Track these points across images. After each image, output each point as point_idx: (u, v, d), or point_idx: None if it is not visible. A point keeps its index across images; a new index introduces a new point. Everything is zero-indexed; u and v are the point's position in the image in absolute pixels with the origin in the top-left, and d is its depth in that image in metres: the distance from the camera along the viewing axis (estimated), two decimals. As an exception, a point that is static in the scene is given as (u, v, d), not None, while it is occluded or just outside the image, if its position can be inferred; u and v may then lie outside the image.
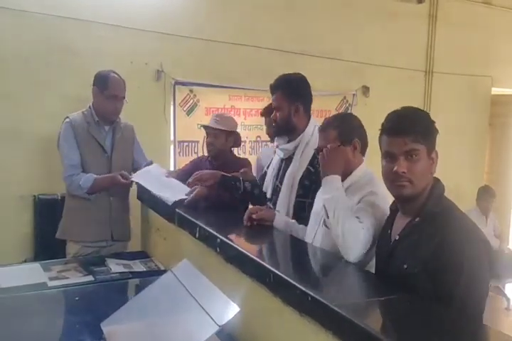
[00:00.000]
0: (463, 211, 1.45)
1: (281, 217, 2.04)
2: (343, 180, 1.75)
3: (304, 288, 1.25)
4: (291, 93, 2.21)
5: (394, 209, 1.54)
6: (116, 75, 2.67)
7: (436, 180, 1.47)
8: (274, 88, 2.25)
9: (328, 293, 1.28)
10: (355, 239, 1.53)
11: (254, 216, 1.93)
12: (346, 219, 1.56)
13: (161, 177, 2.62)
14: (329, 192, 1.64)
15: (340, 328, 1.12)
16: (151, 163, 2.80)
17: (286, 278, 1.34)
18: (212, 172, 2.31)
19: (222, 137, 2.73)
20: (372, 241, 1.57)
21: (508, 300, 4.44)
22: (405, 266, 1.37)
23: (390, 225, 1.53)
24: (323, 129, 1.87)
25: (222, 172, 2.32)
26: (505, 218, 5.82)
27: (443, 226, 1.35)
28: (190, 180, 2.30)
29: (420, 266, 1.33)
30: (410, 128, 1.39)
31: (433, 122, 1.45)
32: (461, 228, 1.36)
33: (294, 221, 2.05)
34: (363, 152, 1.84)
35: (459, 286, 1.28)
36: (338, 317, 1.11)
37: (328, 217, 1.60)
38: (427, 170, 1.41)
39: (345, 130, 1.81)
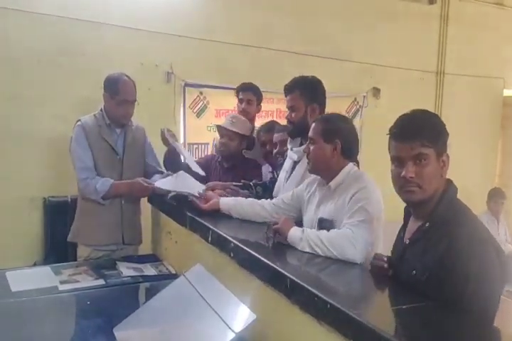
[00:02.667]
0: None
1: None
2: (329, 182, 1.83)
3: (323, 296, 1.22)
4: (309, 94, 2.23)
5: (408, 212, 1.51)
6: (126, 78, 2.60)
7: (449, 183, 1.42)
8: (291, 88, 2.26)
9: (348, 301, 1.25)
10: (348, 240, 1.58)
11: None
12: (327, 236, 1.61)
13: (186, 180, 2.49)
14: (300, 242, 1.65)
15: (362, 337, 1.09)
16: (166, 175, 2.58)
17: (304, 284, 1.31)
18: (220, 193, 2.31)
19: (236, 140, 2.70)
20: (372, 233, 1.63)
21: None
22: (414, 272, 1.35)
23: (404, 228, 1.50)
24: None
25: (234, 184, 2.39)
26: (517, 221, 5.73)
27: (450, 233, 1.31)
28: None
29: (427, 274, 1.31)
30: (417, 132, 1.36)
31: (443, 125, 1.42)
32: (469, 234, 1.31)
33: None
34: (347, 155, 1.85)
35: (465, 294, 1.24)
36: (360, 326, 1.08)
37: (320, 252, 1.61)
38: (436, 174, 1.37)
39: (329, 129, 1.85)
